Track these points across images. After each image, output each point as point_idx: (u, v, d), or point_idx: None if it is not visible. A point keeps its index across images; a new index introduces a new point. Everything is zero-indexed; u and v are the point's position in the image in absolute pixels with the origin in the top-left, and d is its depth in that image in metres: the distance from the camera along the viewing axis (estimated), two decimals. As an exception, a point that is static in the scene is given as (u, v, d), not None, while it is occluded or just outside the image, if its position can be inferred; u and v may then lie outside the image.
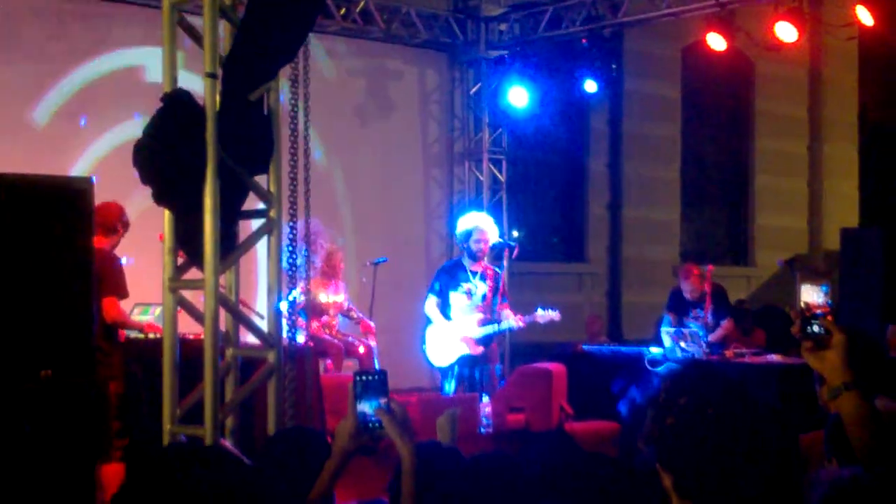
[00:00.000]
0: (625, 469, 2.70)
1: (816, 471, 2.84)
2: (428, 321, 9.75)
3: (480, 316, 9.55)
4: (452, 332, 9.57)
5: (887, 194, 17.22)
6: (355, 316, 10.20)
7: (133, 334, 8.28)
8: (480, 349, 9.55)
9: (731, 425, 2.17)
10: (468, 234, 9.67)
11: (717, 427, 2.17)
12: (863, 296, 11.36)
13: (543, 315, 9.58)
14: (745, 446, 2.17)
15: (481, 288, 9.59)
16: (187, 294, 5.87)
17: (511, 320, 9.58)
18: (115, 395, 7.65)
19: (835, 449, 3.48)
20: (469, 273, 9.65)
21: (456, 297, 9.64)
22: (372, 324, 10.13)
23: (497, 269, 9.75)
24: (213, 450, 4.56)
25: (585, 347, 11.36)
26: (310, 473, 3.07)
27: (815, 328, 2.70)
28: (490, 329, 9.57)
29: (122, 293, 7.81)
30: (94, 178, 6.72)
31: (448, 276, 9.74)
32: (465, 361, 9.59)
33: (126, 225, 8.07)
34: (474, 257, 9.64)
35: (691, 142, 16.15)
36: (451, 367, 9.64)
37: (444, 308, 9.67)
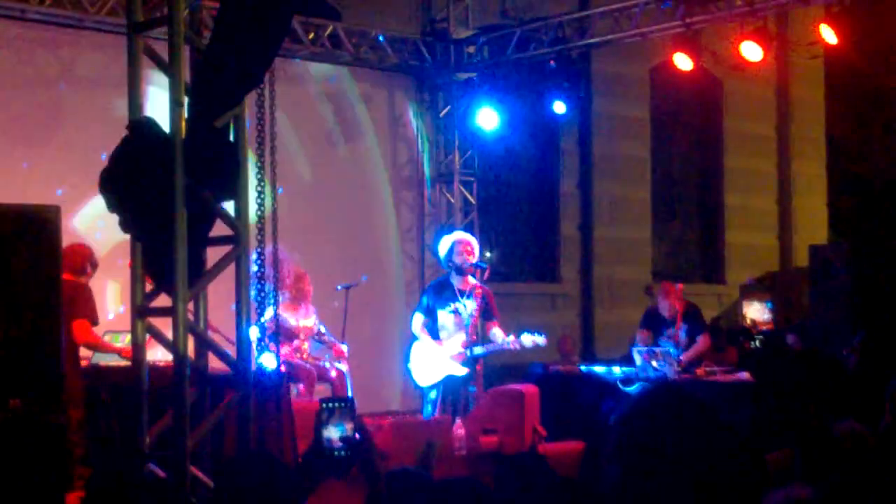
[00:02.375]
0: (589, 492, 2.70)
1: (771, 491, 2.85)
2: (414, 338, 9.74)
3: (465, 337, 9.51)
4: (438, 352, 9.54)
5: (855, 210, 17.35)
6: (327, 340, 10.17)
7: (103, 361, 8.27)
8: (465, 370, 9.53)
9: (696, 447, 2.18)
10: (451, 250, 9.67)
11: (680, 449, 2.17)
12: (832, 311, 11.43)
13: (529, 339, 9.54)
14: (708, 469, 2.18)
15: (469, 307, 9.56)
16: (156, 321, 5.85)
17: (500, 339, 9.55)
18: (75, 420, 7.59)
19: (806, 466, 3.49)
20: (457, 292, 9.62)
21: (444, 316, 9.61)
22: (344, 347, 10.10)
23: (486, 288, 9.72)
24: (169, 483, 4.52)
25: (583, 368, 11.24)
26: (267, 497, 3.06)
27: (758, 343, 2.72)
28: (478, 350, 9.56)
29: (93, 318, 7.92)
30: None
31: (436, 294, 9.71)
32: (448, 382, 9.57)
33: (95, 265, 8.41)
34: (461, 271, 9.59)
35: (661, 161, 16.23)
36: (435, 387, 9.62)
37: (433, 327, 9.64)
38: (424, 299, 9.89)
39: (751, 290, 14.03)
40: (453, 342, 9.55)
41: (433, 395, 9.64)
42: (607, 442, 2.33)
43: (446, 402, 9.56)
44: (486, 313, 9.69)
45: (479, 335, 9.71)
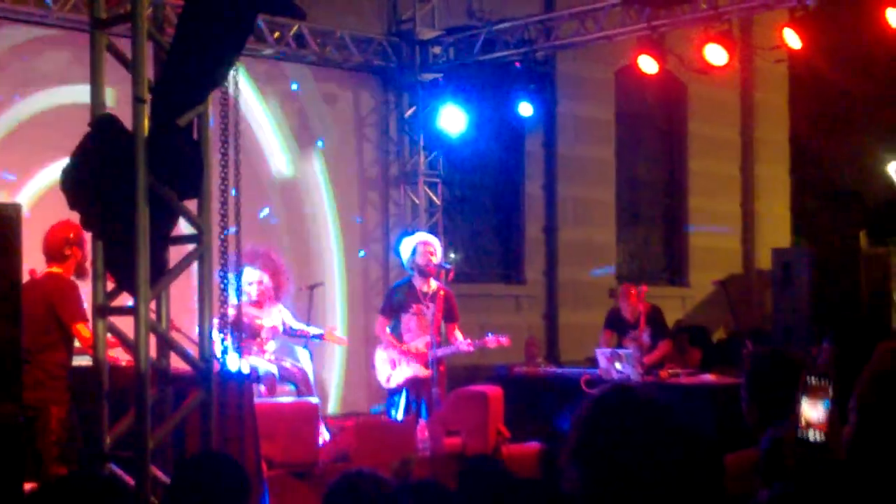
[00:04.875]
0: (550, 492, 2.70)
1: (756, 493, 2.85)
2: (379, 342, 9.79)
3: (429, 338, 9.54)
4: (401, 354, 9.58)
5: (817, 213, 17.49)
6: (313, 332, 9.88)
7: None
8: (429, 372, 9.55)
9: (651, 448, 2.18)
10: (414, 251, 9.70)
11: (636, 450, 2.18)
12: (794, 313, 11.52)
13: (492, 340, 9.61)
14: (664, 469, 2.18)
15: (432, 308, 9.58)
16: (117, 320, 5.81)
17: (460, 341, 9.61)
18: (56, 419, 7.47)
19: (771, 470, 3.49)
20: (420, 294, 9.64)
21: (407, 318, 9.65)
22: (329, 326, 10.02)
23: (448, 290, 9.76)
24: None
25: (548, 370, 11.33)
26: (221, 498, 3.05)
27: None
28: (441, 351, 9.59)
29: (86, 316, 7.57)
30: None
31: (399, 297, 9.75)
32: (412, 384, 9.61)
33: (81, 243, 7.56)
34: (423, 273, 9.64)
35: (626, 163, 16.27)
36: (399, 389, 9.64)
37: (396, 328, 9.69)
38: (387, 301, 9.91)
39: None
40: (417, 344, 9.58)
41: (397, 396, 9.66)
42: (565, 443, 2.33)
43: (410, 404, 9.59)
44: (447, 315, 9.73)
45: (442, 336, 9.75)
